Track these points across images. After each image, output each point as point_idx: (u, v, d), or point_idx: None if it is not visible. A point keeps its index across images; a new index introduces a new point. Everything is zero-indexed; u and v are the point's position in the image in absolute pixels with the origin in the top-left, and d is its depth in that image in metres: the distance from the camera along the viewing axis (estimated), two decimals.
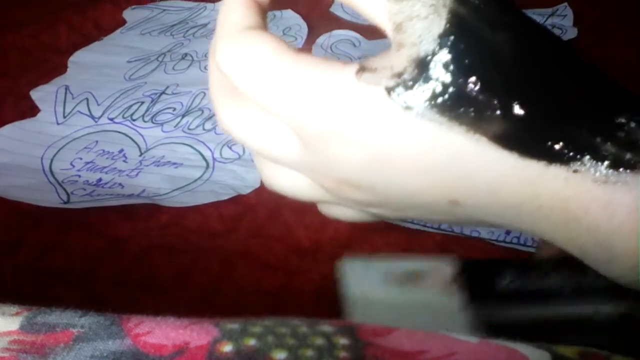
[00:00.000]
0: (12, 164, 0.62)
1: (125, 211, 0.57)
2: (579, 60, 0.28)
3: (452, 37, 0.26)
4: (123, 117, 0.69)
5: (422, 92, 0.26)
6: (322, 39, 0.84)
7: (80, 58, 0.80)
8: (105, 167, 0.62)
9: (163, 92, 0.74)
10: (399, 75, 0.26)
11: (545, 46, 0.27)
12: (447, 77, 0.26)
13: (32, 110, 0.70)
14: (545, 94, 0.26)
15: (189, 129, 0.68)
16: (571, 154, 0.26)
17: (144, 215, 0.57)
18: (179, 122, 0.69)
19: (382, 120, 0.27)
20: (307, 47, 0.83)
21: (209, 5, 0.92)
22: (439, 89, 0.26)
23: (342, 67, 0.27)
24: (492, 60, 0.26)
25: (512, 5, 0.27)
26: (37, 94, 0.73)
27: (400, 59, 0.26)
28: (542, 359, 0.27)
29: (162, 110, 0.71)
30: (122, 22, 0.88)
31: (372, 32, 0.88)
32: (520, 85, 0.26)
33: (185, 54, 0.81)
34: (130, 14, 0.90)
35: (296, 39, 0.85)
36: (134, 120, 0.69)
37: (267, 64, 0.28)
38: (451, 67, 0.26)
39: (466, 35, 0.26)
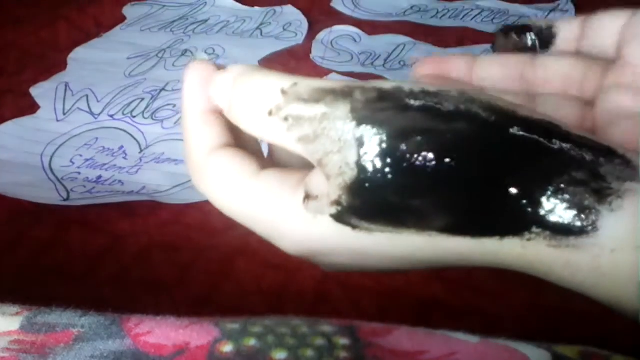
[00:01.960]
0: (12, 161, 0.62)
1: (125, 208, 0.57)
2: (514, 125, 0.28)
3: (368, 162, 0.27)
4: (123, 114, 0.69)
5: (363, 213, 0.28)
6: (323, 35, 0.84)
7: (80, 55, 0.80)
8: (105, 164, 0.62)
9: (163, 89, 0.73)
10: (337, 202, 0.28)
11: (466, 128, 0.27)
12: (379, 196, 0.27)
13: (31, 107, 0.70)
14: (479, 180, 0.27)
15: None
16: (519, 227, 0.27)
17: (144, 212, 0.57)
18: (179, 119, 0.68)
19: (338, 241, 0.29)
20: (307, 42, 0.83)
21: (209, 1, 0.92)
22: (376, 207, 0.28)
23: (292, 193, 0.29)
24: (415, 168, 0.27)
25: (417, 103, 0.28)
26: (37, 91, 0.73)
27: (333, 188, 0.28)
28: (543, 358, 0.27)
29: (162, 106, 0.71)
30: (122, 19, 0.88)
31: (373, 28, 0.88)
32: (451, 181, 0.27)
33: (185, 50, 0.81)
34: (130, 11, 0.90)
35: (296, 34, 0.85)
36: (134, 117, 0.69)
37: (230, 190, 0.30)
38: (379, 187, 0.27)
39: (382, 154, 0.27)
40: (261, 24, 0.87)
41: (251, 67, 0.30)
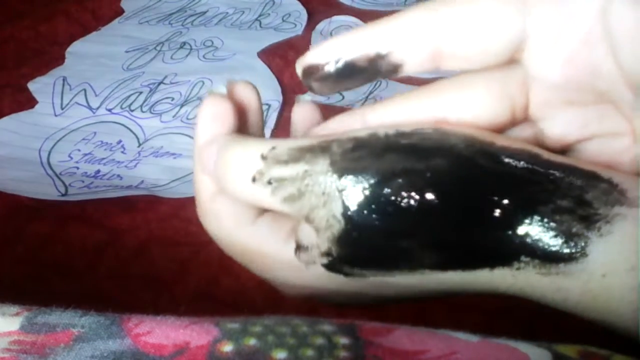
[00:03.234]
0: (10, 157, 0.62)
1: (124, 203, 0.57)
2: (492, 156, 0.28)
3: (354, 211, 0.28)
4: (121, 108, 0.69)
5: (354, 261, 0.29)
6: (322, 25, 0.84)
7: (78, 49, 0.80)
8: (103, 159, 0.62)
9: (161, 82, 0.73)
10: (328, 254, 0.29)
11: (444, 164, 0.28)
12: (368, 242, 0.28)
13: (29, 102, 0.70)
14: (463, 214, 0.27)
15: (187, 118, 0.68)
16: (507, 257, 0.27)
17: (143, 206, 0.57)
18: (177, 112, 0.68)
19: (332, 287, 0.30)
20: (306, 33, 0.83)
21: None
22: (366, 254, 0.28)
23: (285, 242, 0.30)
24: (399, 209, 0.27)
25: (393, 146, 0.28)
26: (35, 86, 0.73)
27: (322, 240, 0.28)
28: (543, 357, 0.27)
29: (160, 100, 0.71)
30: (120, 12, 0.88)
31: (373, 18, 0.87)
32: (436, 218, 0.27)
33: (184, 43, 0.81)
34: (128, 4, 0.89)
35: (296, 25, 0.84)
36: (132, 110, 0.69)
37: (228, 237, 0.32)
38: (367, 234, 0.28)
39: (366, 201, 0.28)
40: (260, 15, 0.87)
41: (230, 138, 0.31)
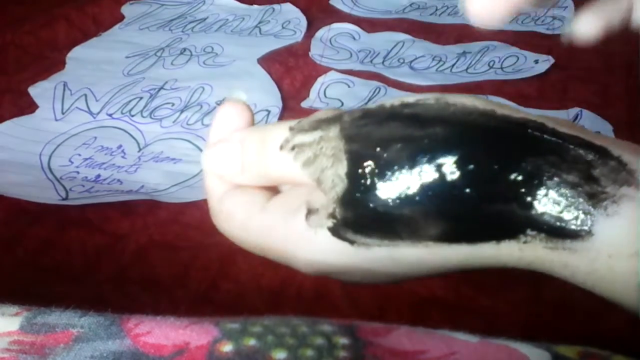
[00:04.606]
0: (10, 161, 0.62)
1: (124, 207, 0.57)
2: (493, 124, 0.28)
3: (358, 171, 0.30)
4: (122, 113, 0.69)
5: (356, 225, 0.30)
6: (322, 32, 0.84)
7: (78, 54, 0.80)
8: (104, 163, 0.62)
9: (162, 88, 0.73)
10: (332, 215, 0.31)
11: (442, 132, 0.28)
12: (369, 206, 0.30)
13: (30, 106, 0.70)
14: (464, 184, 0.28)
15: (187, 124, 0.68)
16: (513, 230, 0.27)
17: (143, 211, 0.57)
18: (177, 118, 0.68)
19: (341, 259, 0.31)
20: (306, 40, 0.83)
21: None
22: (367, 218, 0.30)
23: (295, 214, 0.32)
24: (398, 175, 0.29)
25: (396, 115, 0.30)
26: (35, 91, 0.72)
27: (328, 202, 0.31)
28: (542, 358, 0.27)
29: (160, 105, 0.71)
30: (121, 18, 0.88)
31: (371, 25, 0.88)
32: (436, 187, 0.28)
33: (184, 49, 0.81)
34: (128, 10, 0.90)
35: (295, 32, 0.85)
36: (132, 115, 0.69)
37: (242, 228, 0.34)
38: (368, 196, 0.29)
39: (366, 165, 0.30)
40: (260, 22, 0.87)
41: (252, 127, 0.35)
